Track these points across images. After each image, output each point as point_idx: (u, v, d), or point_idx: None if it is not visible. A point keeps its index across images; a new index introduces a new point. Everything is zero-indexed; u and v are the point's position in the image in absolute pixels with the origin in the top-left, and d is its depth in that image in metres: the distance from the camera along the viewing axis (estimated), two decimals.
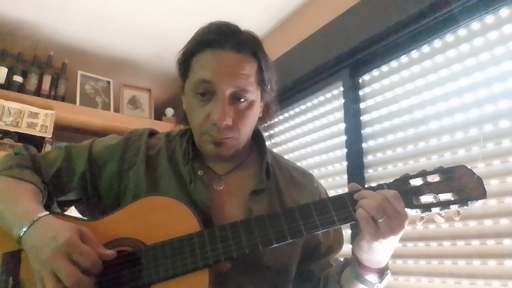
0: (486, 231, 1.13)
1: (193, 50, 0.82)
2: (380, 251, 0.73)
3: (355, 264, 0.77)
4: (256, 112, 0.86)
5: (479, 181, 0.71)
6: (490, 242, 1.12)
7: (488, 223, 1.13)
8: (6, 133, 2.17)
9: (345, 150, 1.67)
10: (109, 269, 0.71)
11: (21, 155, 0.88)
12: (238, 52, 0.80)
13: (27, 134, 2.19)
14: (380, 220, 0.68)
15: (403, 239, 1.27)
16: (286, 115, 2.12)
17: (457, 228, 1.20)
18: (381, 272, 0.77)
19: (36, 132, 2.23)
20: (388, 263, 0.77)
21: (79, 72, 2.60)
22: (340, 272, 0.83)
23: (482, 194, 0.71)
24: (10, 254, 0.75)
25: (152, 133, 0.96)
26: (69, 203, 0.91)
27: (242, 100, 0.81)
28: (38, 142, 2.24)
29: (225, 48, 0.79)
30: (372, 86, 1.64)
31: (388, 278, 0.78)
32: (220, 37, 0.80)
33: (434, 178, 0.74)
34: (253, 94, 0.82)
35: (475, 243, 1.15)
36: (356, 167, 1.59)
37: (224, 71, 0.78)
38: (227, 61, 0.79)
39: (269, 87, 0.88)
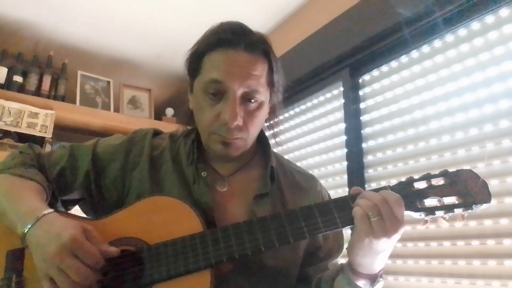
0: (486, 231, 1.14)
1: (205, 49, 0.82)
2: (371, 253, 0.72)
3: (347, 269, 0.77)
4: (264, 113, 0.86)
5: (484, 185, 0.71)
6: (490, 242, 1.12)
7: (488, 223, 1.14)
8: (6, 133, 2.17)
9: (345, 150, 1.67)
10: (112, 268, 0.71)
11: (25, 153, 0.89)
12: (250, 53, 0.80)
13: (27, 134, 2.18)
14: (373, 219, 0.68)
15: (403, 239, 1.27)
16: (286, 115, 2.12)
17: (457, 228, 1.20)
18: (373, 279, 0.76)
19: (36, 132, 2.23)
20: (381, 271, 0.77)
21: (79, 72, 2.60)
22: (334, 277, 0.81)
23: (486, 198, 0.70)
24: (13, 251, 0.75)
25: (156, 133, 0.96)
26: (73, 202, 0.91)
27: (252, 100, 0.81)
28: (38, 142, 2.23)
29: (238, 48, 0.79)
30: (372, 86, 1.64)
31: (380, 285, 0.77)
32: (233, 37, 0.79)
33: (438, 182, 0.74)
34: (263, 95, 0.82)
35: (475, 243, 1.16)
36: (356, 167, 1.59)
37: (236, 71, 0.78)
38: (239, 61, 0.79)
39: (277, 89, 0.87)
